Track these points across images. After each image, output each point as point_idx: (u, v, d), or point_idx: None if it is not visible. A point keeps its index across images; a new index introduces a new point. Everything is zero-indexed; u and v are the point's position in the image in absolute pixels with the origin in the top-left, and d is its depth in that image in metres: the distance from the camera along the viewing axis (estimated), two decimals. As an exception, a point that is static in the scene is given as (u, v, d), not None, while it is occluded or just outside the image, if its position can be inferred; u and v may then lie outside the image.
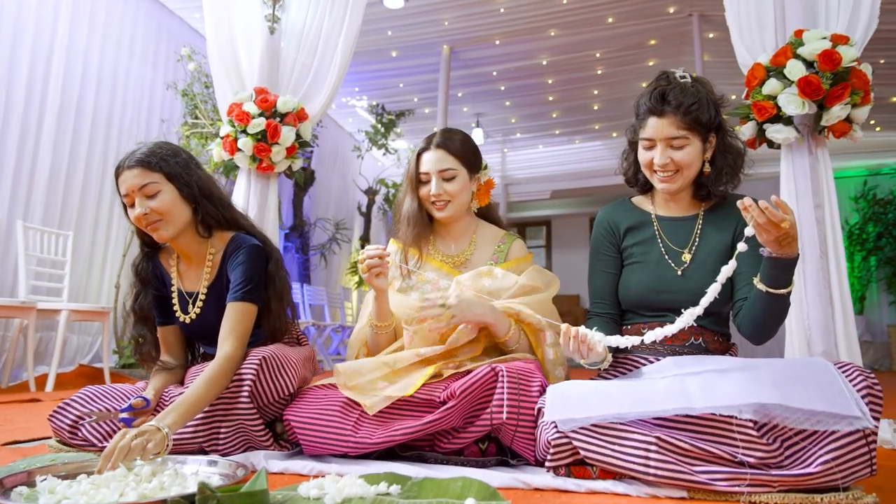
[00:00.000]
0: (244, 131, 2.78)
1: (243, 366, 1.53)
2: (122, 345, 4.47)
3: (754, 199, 1.30)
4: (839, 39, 2.08)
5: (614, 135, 8.83)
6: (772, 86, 2.16)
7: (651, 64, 6.60)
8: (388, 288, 1.82)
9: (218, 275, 1.72)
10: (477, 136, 8.02)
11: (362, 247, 9.11)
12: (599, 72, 6.71)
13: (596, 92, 7.25)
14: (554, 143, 9.31)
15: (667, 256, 1.65)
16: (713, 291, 1.37)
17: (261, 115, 2.79)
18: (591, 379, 1.69)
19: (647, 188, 1.75)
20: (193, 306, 1.73)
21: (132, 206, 1.63)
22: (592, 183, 9.48)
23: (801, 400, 1.21)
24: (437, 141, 1.78)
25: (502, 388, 1.38)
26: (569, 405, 1.32)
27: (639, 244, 1.70)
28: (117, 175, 1.64)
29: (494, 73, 6.69)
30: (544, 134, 8.84)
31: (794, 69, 2.09)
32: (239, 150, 2.79)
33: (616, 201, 1.81)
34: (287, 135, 2.80)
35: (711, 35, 5.77)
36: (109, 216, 4.68)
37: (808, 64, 2.09)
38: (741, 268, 1.56)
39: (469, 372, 1.49)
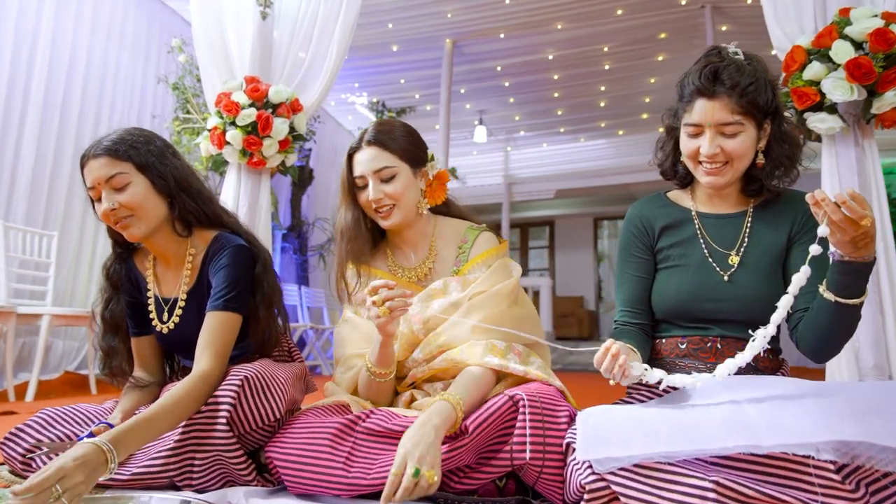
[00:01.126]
0: (233, 123, 2.57)
1: (221, 387, 1.32)
2: (110, 351, 4.25)
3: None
4: (891, 17, 1.86)
5: (620, 133, 8.62)
6: (814, 70, 1.95)
7: (660, 59, 6.39)
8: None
9: (199, 279, 1.51)
10: (480, 134, 7.83)
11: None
12: (607, 67, 6.50)
13: (603, 88, 7.04)
14: (558, 142, 9.09)
15: (710, 259, 1.43)
16: (785, 305, 1.15)
17: (251, 105, 2.58)
18: (622, 401, 1.48)
19: (687, 181, 1.52)
20: (171, 315, 1.53)
21: (99, 199, 1.44)
22: (597, 182, 9.28)
23: (890, 435, 0.99)
24: (368, 137, 1.50)
25: (524, 420, 1.17)
26: (605, 440, 1.10)
27: (677, 245, 1.48)
28: (83, 165, 1.44)
29: (499, 69, 6.48)
30: (549, 132, 8.63)
31: (841, 51, 1.88)
32: (227, 143, 2.58)
33: (649, 196, 1.58)
34: (280, 127, 2.59)
35: (724, 28, 5.57)
36: (96, 218, 4.46)
37: (857, 45, 1.88)
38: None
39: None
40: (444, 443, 1.18)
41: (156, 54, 5.01)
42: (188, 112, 4.40)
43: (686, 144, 1.39)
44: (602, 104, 7.50)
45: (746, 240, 1.43)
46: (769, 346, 1.44)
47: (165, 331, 1.54)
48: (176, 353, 1.66)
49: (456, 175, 7.74)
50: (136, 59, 4.84)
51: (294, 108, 2.68)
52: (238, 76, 2.73)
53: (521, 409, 1.18)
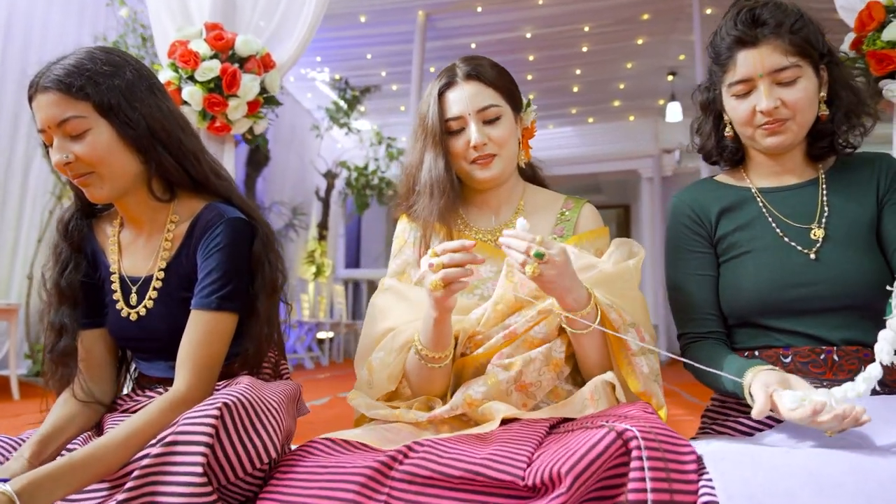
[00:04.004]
0: (191, 78, 2.11)
1: (190, 417, 0.93)
2: (37, 348, 3.71)
3: None
4: None
5: (590, 120, 8.41)
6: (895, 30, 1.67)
7: (640, 42, 6.16)
8: (416, 285, 1.28)
9: (179, 254, 1.17)
10: (448, 116, 7.44)
11: (320, 235, 8.46)
12: (585, 49, 6.22)
13: (578, 72, 6.77)
14: (526, 128, 8.80)
15: (786, 238, 1.19)
16: None
17: (214, 56, 2.13)
18: (745, 432, 1.16)
19: (737, 159, 1.30)
20: (143, 297, 1.17)
21: (51, 145, 1.10)
22: (564, 171, 9.04)
23: None
24: (465, 70, 1.26)
25: (640, 467, 0.82)
26: (761, 499, 0.78)
27: (741, 229, 1.24)
28: (30, 98, 1.10)
29: (473, 46, 6.11)
30: (518, 117, 8.32)
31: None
32: (185, 102, 2.12)
33: (694, 182, 1.35)
34: (249, 85, 2.15)
35: (709, 11, 5.35)
36: (21, 193, 3.89)
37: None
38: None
39: (562, 426, 0.96)
40: (516, 497, 0.84)
41: (91, 9, 4.42)
42: (131, 76, 3.85)
43: (736, 109, 1.18)
44: (575, 89, 7.23)
45: (827, 209, 1.19)
46: (859, 343, 1.15)
47: (134, 317, 1.18)
48: (138, 352, 1.25)
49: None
50: (68, 15, 4.26)
51: (266, 63, 2.24)
52: (196, 23, 2.26)
53: (634, 453, 0.84)
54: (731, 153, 1.28)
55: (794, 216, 1.20)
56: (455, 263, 1.00)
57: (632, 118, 8.16)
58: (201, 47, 2.11)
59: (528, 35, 5.88)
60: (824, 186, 1.21)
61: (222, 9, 2.29)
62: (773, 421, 1.11)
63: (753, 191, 1.25)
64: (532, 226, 1.28)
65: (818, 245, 1.16)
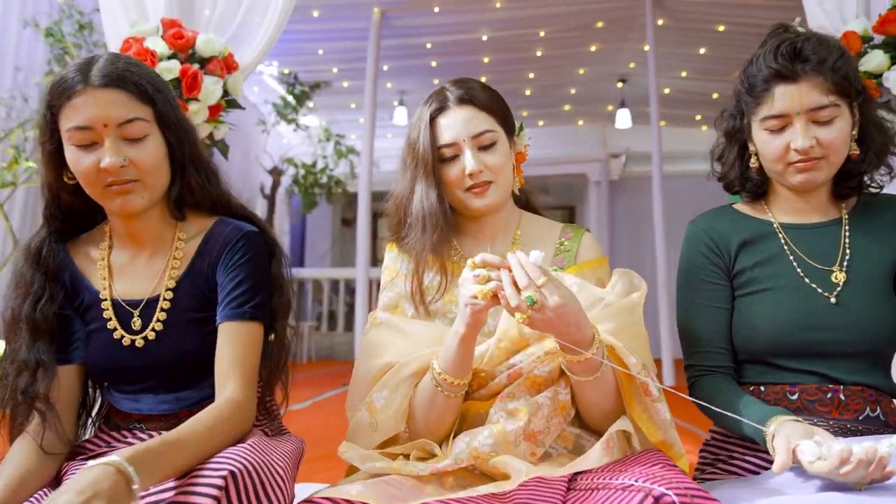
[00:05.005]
0: (147, 79, 1.94)
1: (196, 485, 0.84)
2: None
3: None
4: (968, 5, 1.65)
5: (540, 123, 8.47)
6: (876, 60, 1.71)
7: (593, 49, 6.23)
8: (413, 316, 1.21)
9: (189, 271, 1.12)
10: (400, 115, 7.34)
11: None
12: (539, 53, 6.24)
13: (531, 76, 6.79)
14: (477, 129, 8.79)
15: (807, 279, 1.17)
16: None
17: (173, 56, 1.96)
18: (751, 471, 1.13)
19: (760, 192, 1.26)
20: (149, 320, 1.09)
21: (82, 146, 1.01)
22: (511, 173, 9.10)
23: None
24: (458, 94, 1.19)
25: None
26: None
27: (761, 264, 1.21)
28: (69, 93, 0.99)
29: (429, 46, 6.02)
30: (469, 118, 8.30)
31: (915, 41, 1.64)
32: (138, 105, 1.95)
33: (713, 210, 1.32)
34: (211, 88, 2.00)
35: (661, 21, 5.47)
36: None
37: (932, 34, 1.65)
38: None
39: (580, 479, 0.92)
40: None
41: (21, -9, 4.07)
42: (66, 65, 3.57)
43: (768, 144, 1.14)
44: (528, 92, 7.25)
45: (849, 252, 1.17)
46: (890, 391, 1.16)
47: (140, 343, 1.10)
48: (121, 385, 1.13)
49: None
50: (-6, -4, 3.90)
51: (228, 65, 2.09)
52: (151, 18, 2.09)
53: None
54: (756, 185, 1.24)
55: (816, 256, 1.18)
56: (496, 266, 0.96)
57: (581, 122, 8.27)
58: (159, 46, 1.94)
59: (485, 37, 5.85)
60: (847, 227, 1.19)
61: (179, 4, 2.12)
62: (771, 464, 1.09)
63: (775, 225, 1.22)
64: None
65: (839, 289, 1.15)
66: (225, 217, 1.16)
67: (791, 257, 1.19)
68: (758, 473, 1.11)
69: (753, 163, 1.20)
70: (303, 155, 7.89)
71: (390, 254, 1.29)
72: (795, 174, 1.13)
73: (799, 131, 1.09)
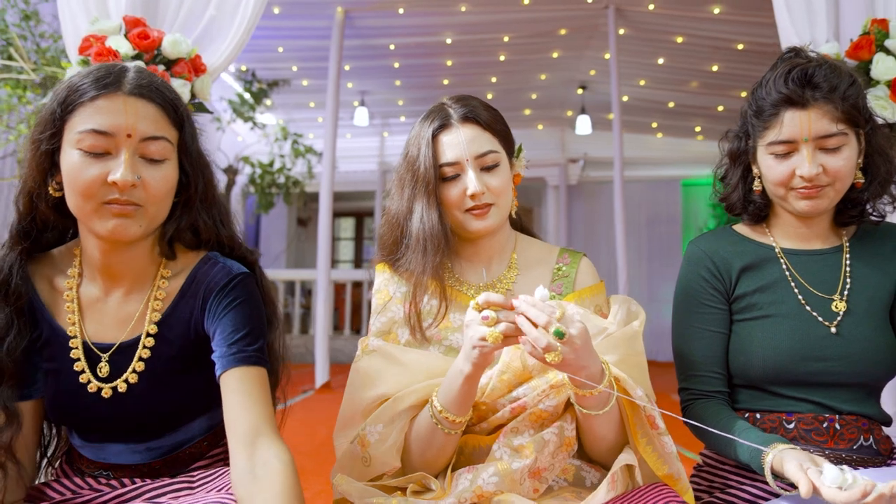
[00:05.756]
0: (109, 80, 1.82)
1: None
2: None
3: None
4: (934, 34, 1.71)
5: (500, 127, 8.49)
6: (849, 84, 1.74)
7: (555, 56, 6.28)
8: (407, 342, 1.18)
9: (172, 313, 1.01)
10: (360, 116, 7.23)
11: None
12: (502, 58, 6.24)
13: (494, 80, 6.79)
14: (437, 131, 8.76)
15: (808, 307, 1.16)
16: None
17: (137, 57, 1.85)
18: (750, 501, 1.13)
19: (762, 215, 1.25)
20: (124, 367, 0.97)
21: (97, 154, 0.91)
22: (470, 175, 9.11)
23: None
24: (462, 112, 1.16)
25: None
26: None
27: (762, 290, 1.20)
28: (96, 92, 0.91)
29: (392, 48, 5.94)
30: (430, 120, 8.25)
31: (886, 67, 1.69)
32: (99, 108, 1.83)
33: (713, 231, 1.30)
34: (178, 91, 1.89)
35: (623, 31, 5.55)
36: None
37: (900, 61, 1.70)
38: None
39: None
40: None
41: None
42: (9, 58, 3.37)
43: (773, 169, 1.13)
44: (490, 96, 7.25)
45: (849, 281, 1.17)
46: (882, 420, 1.18)
47: (107, 393, 0.97)
48: (86, 432, 1.02)
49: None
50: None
51: (196, 67, 1.99)
52: (113, 15, 1.96)
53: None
54: (759, 209, 1.23)
55: (817, 284, 1.18)
56: (510, 319, 0.91)
57: (541, 127, 8.34)
58: (122, 45, 1.83)
59: (449, 40, 5.81)
60: (848, 256, 1.19)
61: (143, 2, 2.01)
62: (772, 494, 1.10)
63: (777, 250, 1.22)
64: (528, 283, 1.20)
65: (839, 318, 1.14)
66: (212, 253, 1.05)
67: (793, 284, 1.18)
68: (755, 503, 1.11)
69: (756, 186, 1.19)
70: (259, 154, 7.68)
71: (382, 276, 1.23)
72: (799, 200, 1.12)
73: (806, 158, 1.09)
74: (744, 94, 6.52)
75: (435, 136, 1.15)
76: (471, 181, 1.12)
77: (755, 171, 1.20)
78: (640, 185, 8.41)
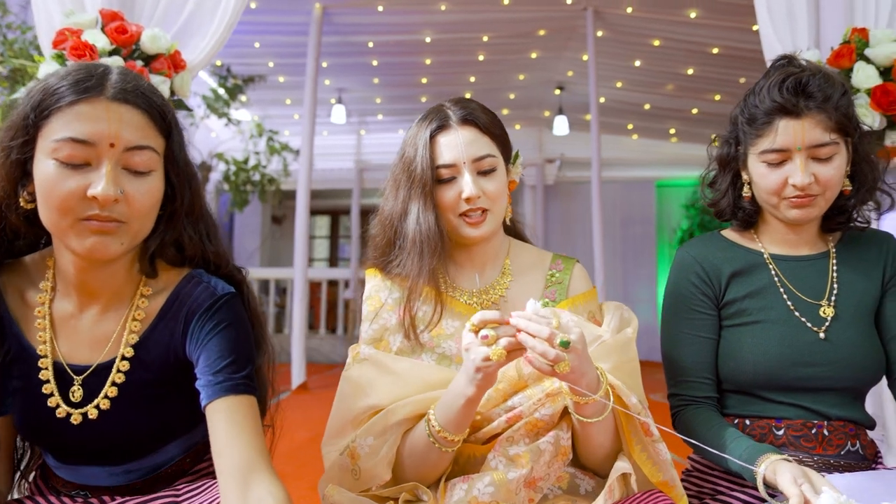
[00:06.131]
0: (85, 75, 1.76)
1: None
2: None
3: None
4: (912, 44, 1.74)
5: (478, 126, 8.49)
6: (830, 92, 1.77)
7: (533, 56, 6.30)
8: (399, 349, 1.15)
9: (151, 334, 0.94)
10: (338, 114, 7.16)
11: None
12: (481, 58, 6.24)
13: (472, 79, 6.80)
14: (414, 130, 8.72)
15: (797, 313, 1.17)
16: None
17: (115, 52, 1.79)
18: None
19: (752, 221, 1.26)
20: (94, 393, 0.91)
21: (75, 165, 0.83)
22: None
23: None
24: (461, 114, 1.14)
25: None
26: None
27: (752, 296, 1.21)
28: (76, 97, 0.83)
29: (370, 45, 5.89)
30: (408, 118, 8.18)
31: (864, 74, 1.72)
32: (74, 104, 1.77)
33: (702, 236, 1.31)
34: (158, 89, 1.84)
35: (601, 33, 5.59)
36: None
37: (880, 70, 1.73)
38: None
39: None
40: None
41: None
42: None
43: (766, 177, 1.14)
44: (468, 95, 7.24)
45: (836, 287, 1.18)
46: (867, 424, 1.20)
47: (77, 419, 0.91)
48: (59, 454, 0.97)
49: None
50: None
51: (176, 63, 1.94)
52: (88, 8, 1.90)
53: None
54: (748, 215, 1.23)
55: (805, 290, 1.19)
56: (509, 334, 0.90)
57: (518, 127, 8.36)
58: (99, 40, 1.77)
59: (428, 39, 5.78)
60: (835, 261, 1.21)
61: (120, -7, 1.95)
62: (761, 499, 1.10)
63: (766, 256, 1.22)
64: (521, 289, 1.19)
65: (827, 324, 1.16)
66: (196, 271, 0.99)
67: (782, 289, 1.19)
68: None
69: (746, 192, 1.20)
70: (233, 150, 7.55)
71: (373, 281, 1.21)
72: (791, 209, 1.14)
73: (799, 167, 1.09)
74: (718, 98, 6.65)
75: (433, 136, 1.13)
76: (467, 184, 1.10)
77: (744, 177, 1.21)
78: (616, 186, 8.49)
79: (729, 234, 1.29)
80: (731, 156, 1.22)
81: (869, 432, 1.19)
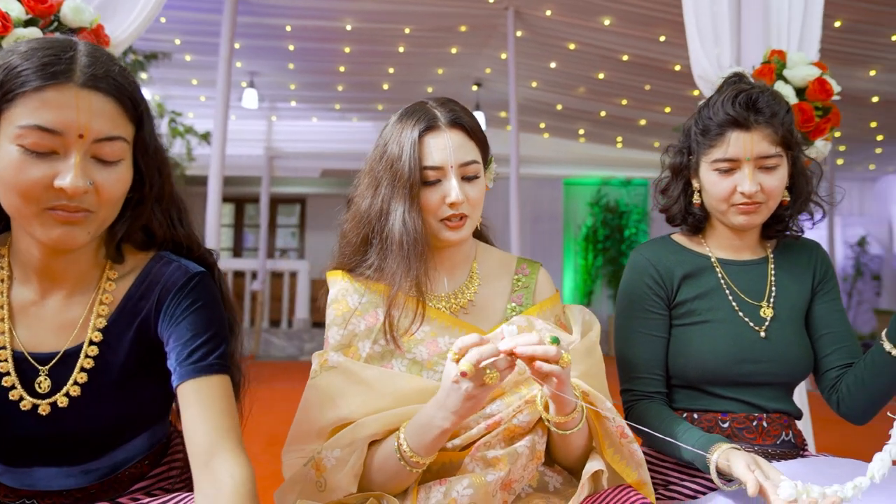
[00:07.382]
0: (-4, 47, 1.58)
1: None
2: None
3: None
4: (823, 67, 1.92)
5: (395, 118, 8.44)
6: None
7: (453, 52, 6.34)
8: (369, 355, 1.12)
9: (119, 317, 0.91)
10: (249, 98, 6.87)
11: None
12: (401, 49, 6.19)
13: (391, 70, 6.73)
14: (329, 118, 8.53)
15: (741, 313, 1.28)
16: None
17: (31, 23, 1.62)
18: (689, 496, 1.21)
19: (701, 226, 1.35)
20: (64, 380, 0.87)
21: (41, 154, 0.78)
22: (359, 166, 8.99)
23: None
24: (449, 117, 1.11)
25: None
26: None
27: (701, 297, 1.30)
28: (42, 82, 0.78)
29: (288, 29, 5.68)
30: (323, 106, 8.01)
31: (784, 94, 1.87)
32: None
33: (656, 240, 1.38)
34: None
35: (520, 34, 5.71)
36: None
37: (797, 90, 1.89)
38: (826, 321, 1.29)
39: None
40: None
41: None
42: None
43: (716, 185, 1.23)
44: (385, 86, 7.19)
45: (774, 289, 1.30)
46: (797, 415, 1.32)
47: (45, 411, 0.87)
48: (10, 453, 0.89)
49: (209, 140, 6.67)
50: None
51: (99, 38, 1.78)
52: (-1, -26, 1.70)
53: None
54: (698, 221, 1.32)
55: (748, 292, 1.29)
56: (492, 354, 0.89)
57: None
58: (14, 8, 1.59)
59: (348, 27, 5.66)
60: (773, 266, 1.32)
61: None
62: (710, 487, 1.19)
63: (713, 260, 1.31)
64: (489, 294, 1.20)
65: (767, 323, 1.26)
66: (164, 252, 0.96)
67: (727, 291, 1.29)
68: (696, 498, 1.20)
69: (696, 199, 1.29)
70: (132, 131, 7.05)
71: (339, 284, 1.16)
72: (738, 215, 1.23)
73: (747, 176, 1.19)
74: (624, 103, 7.01)
75: (421, 136, 1.09)
76: (453, 189, 1.08)
77: (695, 185, 1.29)
78: (528, 183, 8.74)
79: (679, 238, 1.37)
80: (684, 164, 1.30)
81: (797, 422, 1.32)
